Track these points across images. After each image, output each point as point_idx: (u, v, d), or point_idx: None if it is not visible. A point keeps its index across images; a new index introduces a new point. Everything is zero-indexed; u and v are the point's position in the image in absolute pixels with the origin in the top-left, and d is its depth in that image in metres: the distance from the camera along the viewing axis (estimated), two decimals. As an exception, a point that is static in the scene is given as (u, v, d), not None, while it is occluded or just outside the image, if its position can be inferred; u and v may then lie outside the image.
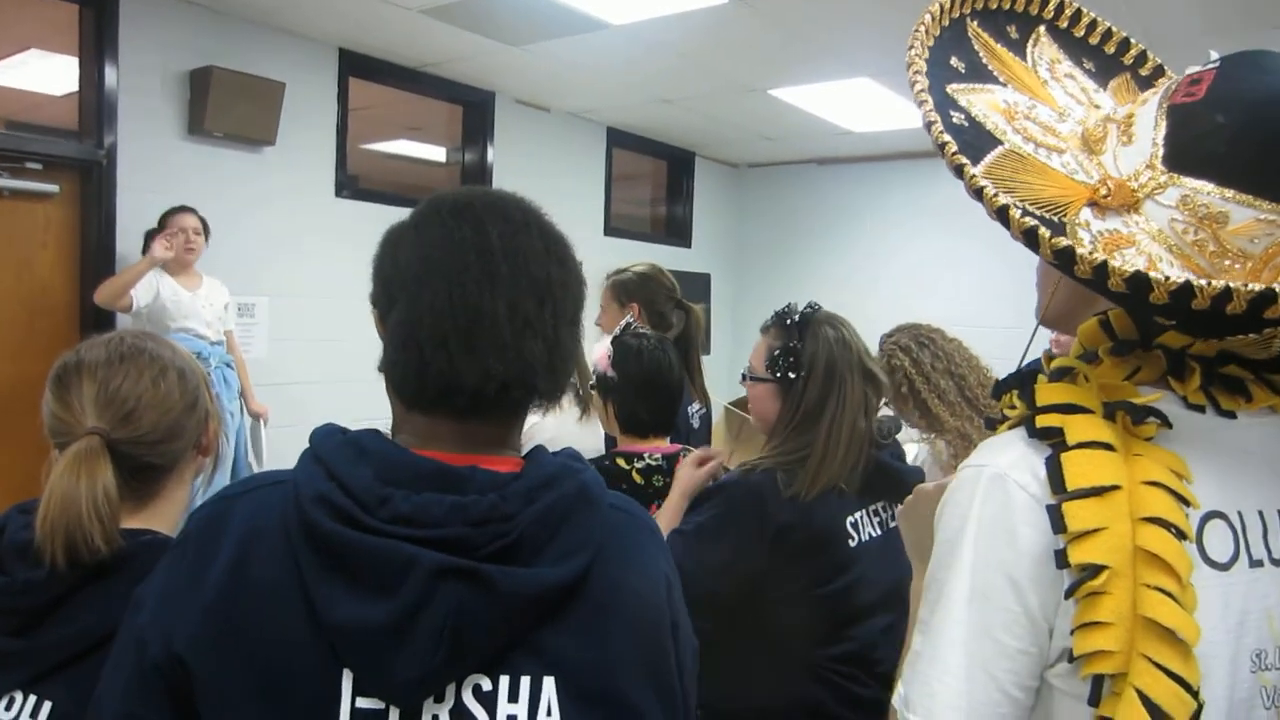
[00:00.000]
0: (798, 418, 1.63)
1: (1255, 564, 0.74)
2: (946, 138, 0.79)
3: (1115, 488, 0.71)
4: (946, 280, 6.31)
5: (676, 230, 7.12)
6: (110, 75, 3.78)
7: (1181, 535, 0.69)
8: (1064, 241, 0.71)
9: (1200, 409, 0.78)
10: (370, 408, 5.32)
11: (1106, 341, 0.80)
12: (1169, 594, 0.68)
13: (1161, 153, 0.78)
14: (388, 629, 0.71)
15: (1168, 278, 0.68)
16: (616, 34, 4.16)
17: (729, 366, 6.72)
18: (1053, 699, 0.75)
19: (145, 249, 3.71)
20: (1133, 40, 1.02)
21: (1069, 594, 0.70)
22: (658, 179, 7.16)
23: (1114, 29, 1.02)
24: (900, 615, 1.52)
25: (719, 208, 7.36)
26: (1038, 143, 0.86)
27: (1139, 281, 0.69)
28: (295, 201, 4.45)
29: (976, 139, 0.82)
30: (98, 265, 3.77)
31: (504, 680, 0.76)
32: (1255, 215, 0.74)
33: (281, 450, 4.28)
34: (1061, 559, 0.71)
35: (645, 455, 1.83)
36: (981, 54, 0.92)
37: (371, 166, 5.18)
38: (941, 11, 0.92)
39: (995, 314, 6.15)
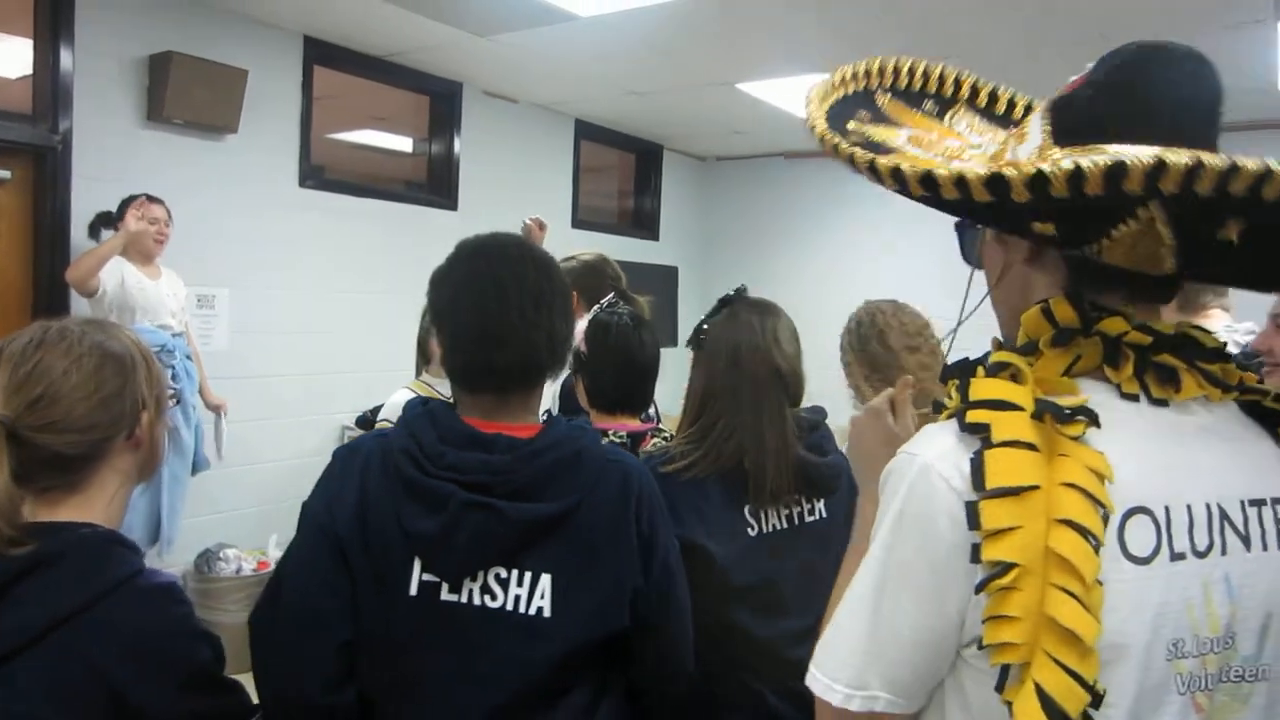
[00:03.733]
0: (693, 395, 1.65)
1: (1177, 557, 0.76)
2: (829, 135, 0.86)
3: (1034, 488, 0.73)
4: (912, 274, 6.36)
5: (644, 223, 7.11)
6: (66, 58, 3.68)
7: (1092, 538, 0.71)
8: (957, 168, 0.75)
9: (1134, 398, 0.80)
10: (335, 400, 5.28)
11: (1048, 330, 0.81)
12: (1074, 595, 0.70)
13: (1049, 135, 0.82)
14: (438, 535, 1.16)
15: (1062, 166, 0.69)
16: (585, 26, 4.14)
17: (696, 360, 6.71)
18: (965, 673, 0.79)
19: (93, 232, 3.63)
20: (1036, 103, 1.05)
21: (979, 589, 0.73)
22: (625, 171, 7.15)
23: (1034, 103, 1.04)
24: (797, 609, 1.56)
25: (687, 201, 7.36)
26: (940, 153, 0.91)
27: (998, 181, 0.73)
28: (258, 191, 4.37)
29: (870, 146, 0.87)
30: (52, 253, 3.68)
31: (515, 572, 1.19)
32: (1142, 153, 0.77)
33: (246, 444, 4.22)
34: (975, 554, 0.73)
35: (609, 433, 1.84)
36: (890, 113, 0.98)
37: (337, 156, 5.11)
38: (850, 79, 0.99)
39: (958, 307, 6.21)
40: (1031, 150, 0.83)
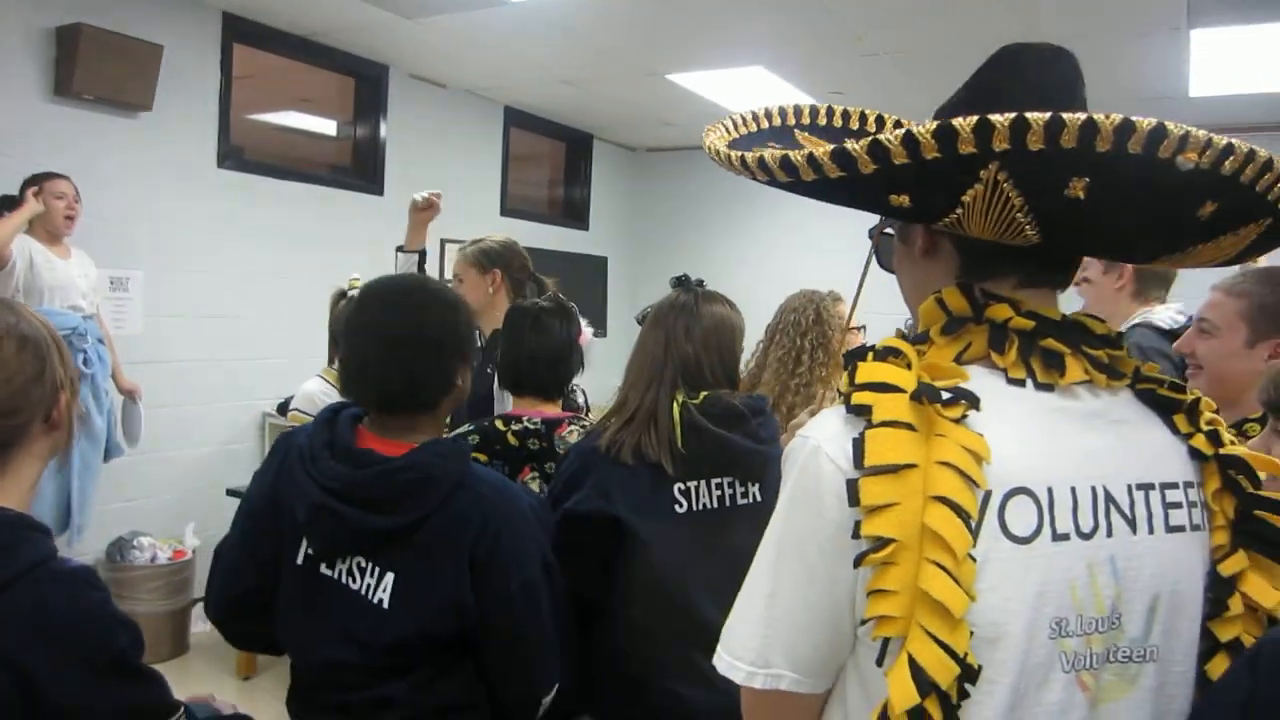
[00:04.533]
0: (634, 379, 1.72)
1: (1059, 538, 0.78)
2: (718, 144, 0.91)
3: (910, 466, 0.75)
4: (836, 266, 6.48)
5: (574, 212, 7.10)
6: (-34, 29, 3.52)
7: (964, 514, 0.74)
8: (803, 152, 0.79)
9: (1020, 383, 0.83)
10: (255, 387, 5.18)
11: (941, 319, 0.85)
12: (945, 569, 0.73)
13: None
14: (305, 523, 1.40)
15: (895, 133, 0.73)
16: (515, 11, 4.12)
17: (624, 349, 6.73)
18: (861, 651, 0.82)
19: None
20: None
21: (857, 563, 0.76)
22: (556, 160, 7.13)
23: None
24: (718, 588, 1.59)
25: (617, 191, 7.37)
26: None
27: (845, 157, 0.76)
28: (174, 171, 4.24)
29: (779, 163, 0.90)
30: (-47, 232, 3.52)
31: (370, 564, 1.40)
32: None
33: (162, 430, 4.10)
34: (856, 530, 0.76)
35: (524, 419, 1.89)
36: (805, 144, 1.00)
37: (259, 138, 4.98)
38: (764, 116, 1.02)
39: (890, 299, 6.36)
40: None
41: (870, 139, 0.73)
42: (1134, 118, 0.69)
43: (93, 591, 1.04)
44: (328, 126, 5.55)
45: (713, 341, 1.72)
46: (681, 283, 1.80)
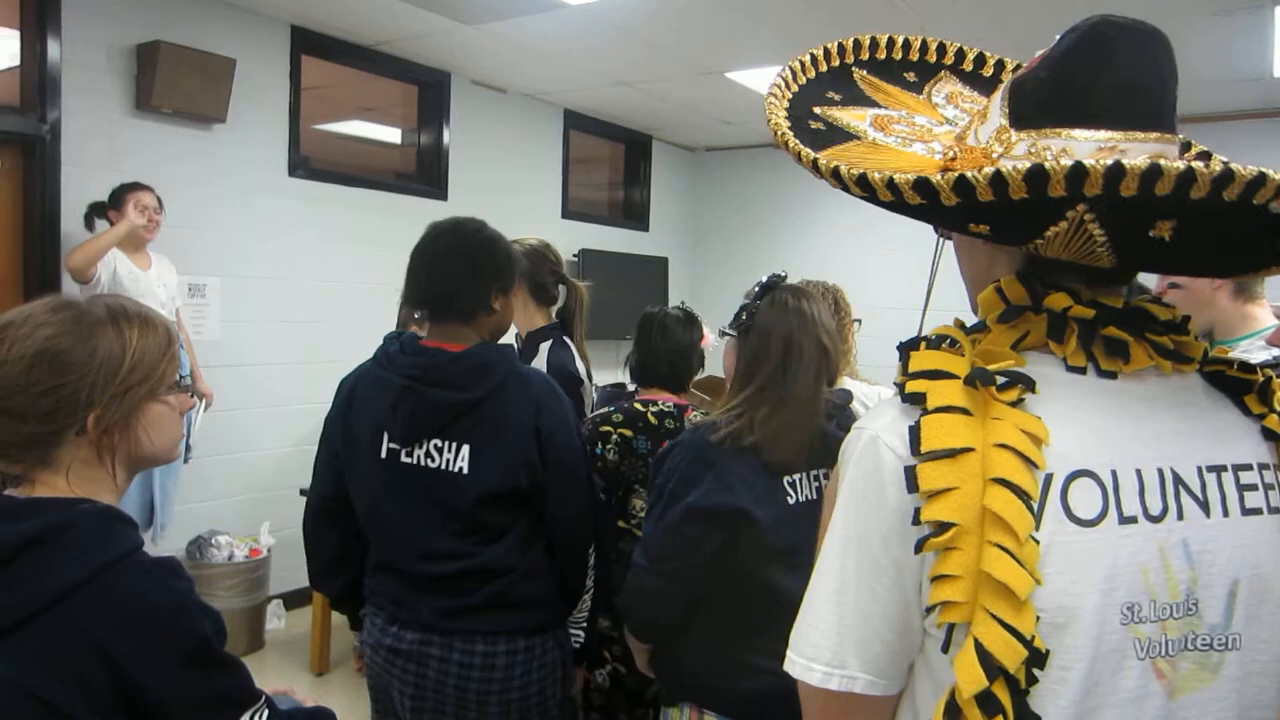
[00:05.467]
0: (742, 371, 1.78)
1: (1127, 520, 0.76)
2: (783, 126, 0.87)
3: (968, 450, 0.75)
4: (902, 264, 6.39)
5: (634, 213, 7.13)
6: (53, 49, 3.68)
7: (1025, 496, 0.73)
8: (888, 173, 0.77)
9: (1081, 370, 0.81)
10: (326, 389, 5.29)
11: (999, 308, 0.84)
12: (1008, 550, 0.72)
13: (1007, 118, 0.83)
14: (389, 411, 1.75)
15: (1015, 168, 0.70)
16: (574, 14, 4.15)
17: (686, 349, 6.73)
18: (929, 645, 0.80)
19: (88, 223, 3.63)
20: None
21: (918, 549, 0.76)
22: (615, 162, 7.16)
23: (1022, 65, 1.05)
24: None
25: (676, 191, 7.38)
26: (901, 137, 0.92)
27: (892, 186, 0.76)
28: (247, 180, 4.38)
29: (832, 136, 0.89)
30: (42, 243, 3.69)
31: (445, 442, 1.74)
32: (1096, 146, 0.77)
33: (238, 431, 4.24)
34: (916, 517, 0.76)
35: (658, 403, 2.31)
36: (864, 89, 0.99)
37: (325, 147, 5.11)
38: (822, 58, 0.99)
39: (952, 298, 6.24)
40: (990, 132, 0.84)
41: (958, 177, 0.72)
42: (1234, 166, 0.67)
43: (178, 581, 1.06)
44: (392, 134, 5.66)
45: (833, 331, 1.79)
46: (777, 282, 1.85)
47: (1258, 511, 0.81)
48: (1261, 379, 0.87)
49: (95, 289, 3.44)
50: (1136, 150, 0.76)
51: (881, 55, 1.04)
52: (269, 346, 4.50)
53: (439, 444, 1.74)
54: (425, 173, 5.40)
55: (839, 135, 0.90)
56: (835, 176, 0.82)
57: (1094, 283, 0.84)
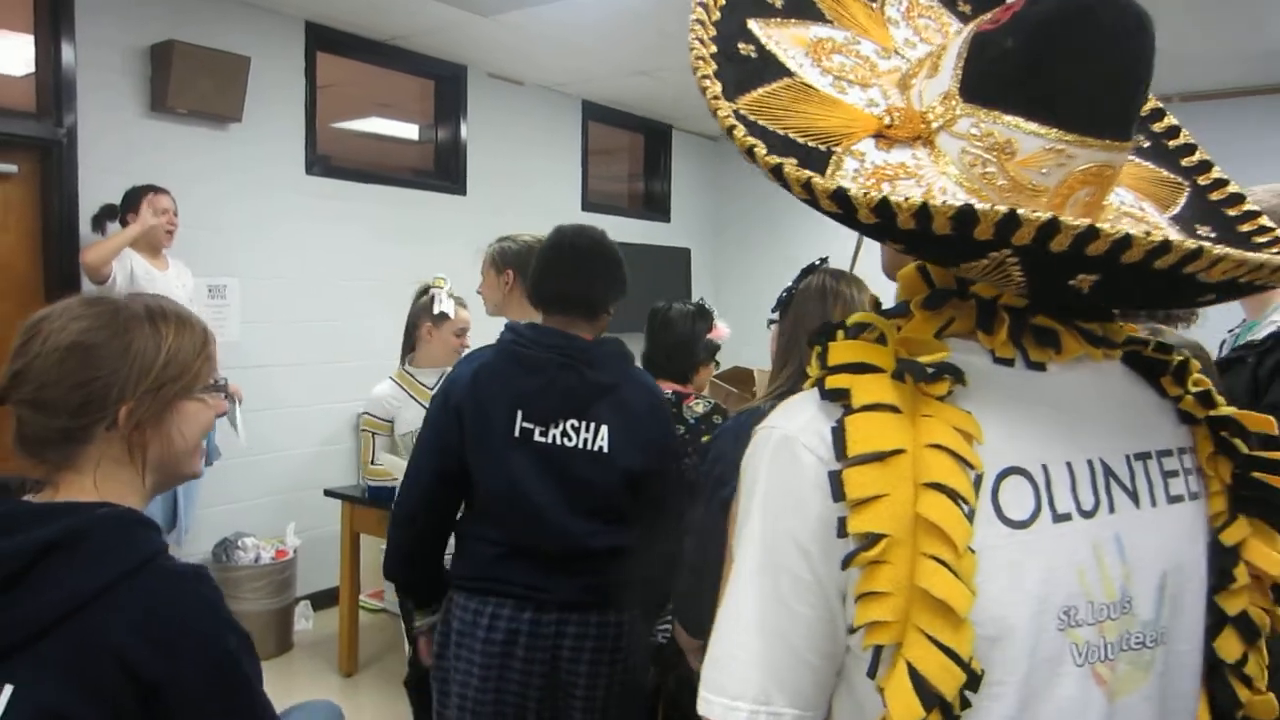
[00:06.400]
0: (781, 354, 1.81)
1: (1060, 518, 0.71)
2: (707, 71, 0.74)
3: (898, 452, 0.68)
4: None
5: (655, 205, 7.05)
6: (67, 52, 3.67)
7: (962, 501, 0.66)
8: (805, 174, 0.68)
9: (1009, 362, 0.75)
10: (348, 389, 5.25)
11: (923, 290, 0.76)
12: (944, 563, 0.65)
13: (958, 83, 0.74)
14: (536, 391, 1.83)
15: (946, 204, 0.63)
16: (588, 3, 4.08)
17: (710, 341, 6.67)
18: (851, 665, 0.72)
19: (96, 225, 3.62)
20: None
21: (845, 564, 0.67)
22: (635, 153, 7.09)
23: None
24: None
25: (698, 182, 7.29)
26: (840, 76, 0.81)
27: (842, 197, 0.66)
28: (265, 179, 4.35)
29: (761, 70, 0.78)
30: (60, 246, 3.68)
31: (583, 422, 1.83)
32: (1043, 145, 0.70)
33: (261, 433, 4.22)
34: (842, 528, 0.68)
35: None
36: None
37: (342, 145, 5.08)
38: None
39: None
40: (938, 93, 0.75)
41: (881, 199, 0.64)
42: (1174, 238, 0.62)
43: (205, 589, 1.02)
44: (409, 130, 5.63)
45: None
46: (818, 266, 1.85)
47: (1180, 499, 0.78)
48: (1177, 360, 0.81)
49: (111, 290, 3.42)
50: (1083, 157, 0.70)
51: None
52: (290, 347, 4.47)
53: (575, 424, 1.83)
54: (443, 168, 5.36)
55: (770, 70, 0.78)
56: (750, 155, 0.72)
57: (1109, 306, 0.78)
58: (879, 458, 0.67)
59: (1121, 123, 0.71)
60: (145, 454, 1.07)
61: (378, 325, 4.79)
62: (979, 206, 0.62)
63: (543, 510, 1.81)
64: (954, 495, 0.66)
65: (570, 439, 1.82)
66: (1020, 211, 0.61)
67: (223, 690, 1.00)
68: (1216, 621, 0.78)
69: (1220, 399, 0.81)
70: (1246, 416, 0.80)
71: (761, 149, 0.71)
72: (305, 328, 4.52)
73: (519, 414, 1.83)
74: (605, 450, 1.82)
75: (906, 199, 0.63)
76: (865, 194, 0.65)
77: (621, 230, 6.33)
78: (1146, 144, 0.89)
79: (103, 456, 1.05)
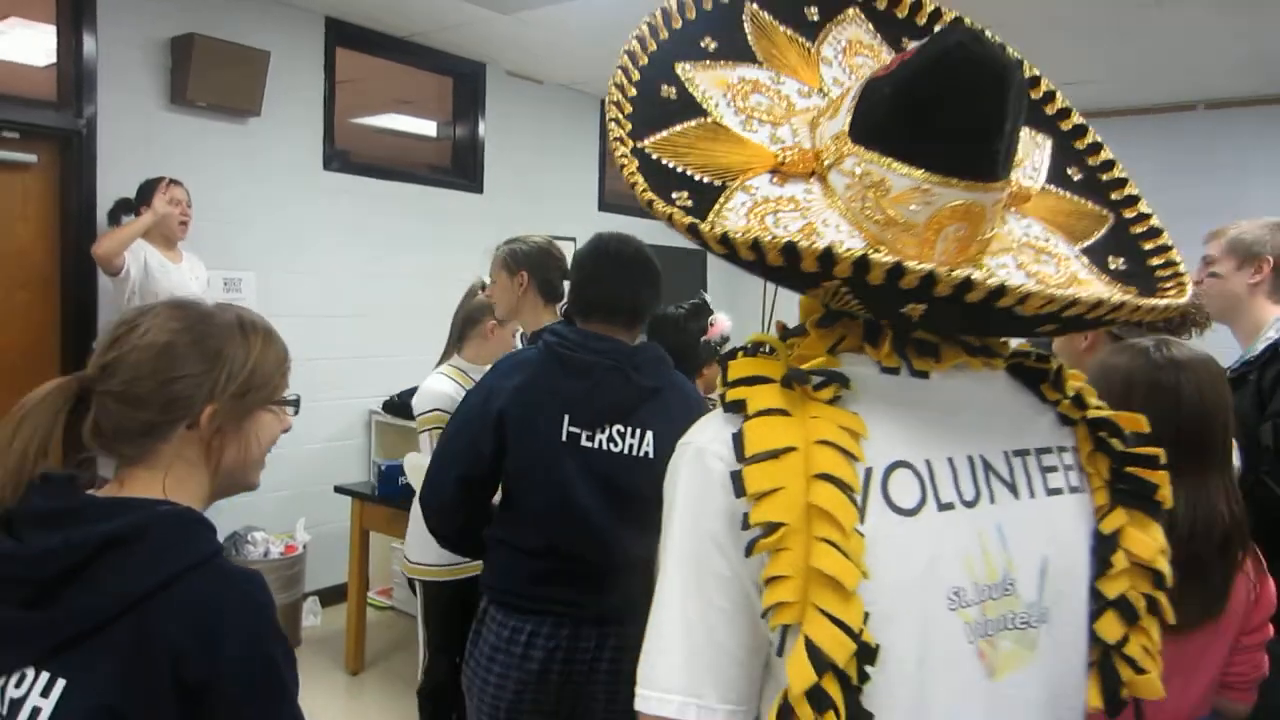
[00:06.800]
0: None
1: (945, 507, 0.78)
2: (616, 114, 0.83)
3: (790, 449, 0.75)
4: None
5: (672, 206, 7.00)
6: (89, 43, 3.67)
7: (847, 489, 0.74)
8: (667, 209, 0.77)
9: (895, 371, 0.83)
10: (361, 384, 5.24)
11: (818, 312, 0.85)
12: (834, 544, 0.72)
13: (848, 125, 0.82)
14: (583, 395, 1.81)
15: (775, 238, 0.72)
16: (609, 1, 4.06)
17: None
18: (774, 659, 0.78)
19: (113, 218, 3.62)
20: (947, 13, 1.00)
21: (748, 552, 0.74)
22: (653, 154, 7.04)
23: (940, 9, 1.01)
24: None
25: (715, 183, 7.25)
26: (752, 115, 0.88)
27: (727, 241, 0.74)
28: (282, 174, 4.35)
29: (678, 111, 0.85)
30: (78, 236, 3.68)
31: (628, 427, 1.83)
32: (910, 184, 0.77)
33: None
34: (745, 520, 0.74)
35: None
36: (750, 34, 0.93)
37: (360, 141, 5.08)
38: None
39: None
40: (835, 131, 0.83)
41: (721, 232, 0.73)
42: (975, 275, 0.69)
43: (259, 594, 1.02)
44: (427, 128, 5.62)
45: None
46: None
47: (1059, 492, 0.86)
48: (1055, 367, 0.90)
49: (125, 282, 3.42)
50: (947, 196, 0.77)
51: None
52: (304, 341, 4.45)
53: (621, 429, 1.83)
54: (460, 165, 5.35)
55: (686, 111, 0.86)
56: (632, 189, 0.80)
57: (947, 333, 0.86)
58: (773, 455, 0.75)
59: (980, 166, 0.77)
60: (220, 458, 1.09)
61: (392, 321, 4.79)
62: (801, 243, 0.71)
63: (589, 515, 1.79)
64: (841, 484, 0.74)
65: (616, 444, 1.82)
66: (836, 249, 0.69)
67: (261, 696, 0.99)
68: (1100, 606, 0.85)
69: (1094, 402, 0.90)
70: (1120, 416, 0.89)
71: (641, 185, 0.78)
72: (320, 323, 4.52)
73: (566, 418, 1.81)
74: (650, 456, 1.80)
75: (746, 234, 0.72)
76: (712, 228, 0.75)
77: (637, 231, 6.28)
78: (1078, 177, 0.96)
79: (177, 456, 1.07)
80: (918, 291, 0.71)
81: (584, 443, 1.81)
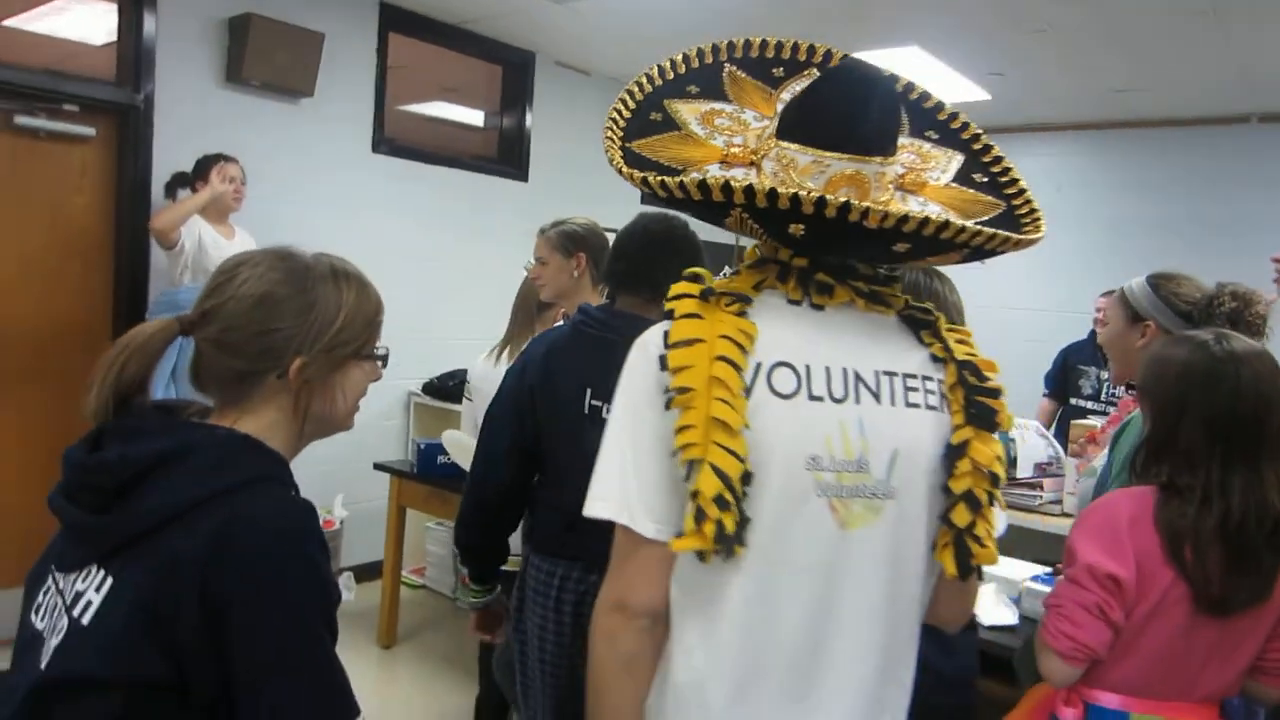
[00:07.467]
0: None
1: (815, 399, 1.06)
2: (609, 122, 1.14)
3: (699, 340, 1.04)
4: (989, 262, 6.17)
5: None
6: (149, 22, 3.75)
7: (738, 367, 1.02)
8: (636, 174, 1.06)
9: (798, 302, 1.11)
10: (401, 366, 5.31)
11: (754, 258, 1.16)
12: (726, 401, 1.01)
13: (775, 127, 1.13)
14: (602, 371, 1.56)
15: (693, 178, 1.01)
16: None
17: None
18: (684, 484, 1.04)
19: (169, 191, 3.69)
20: (899, 76, 1.27)
21: (668, 405, 1.03)
22: (696, 149, 7.04)
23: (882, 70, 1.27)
24: None
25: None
26: (716, 130, 1.18)
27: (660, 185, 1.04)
28: (332, 155, 4.41)
29: (661, 126, 1.16)
30: (133, 208, 3.76)
31: None
32: (809, 159, 1.06)
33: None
34: (667, 387, 1.03)
35: None
36: (727, 83, 1.23)
37: (408, 127, 5.12)
38: (696, 56, 1.24)
39: (1037, 295, 6.03)
40: (768, 134, 1.13)
41: (660, 180, 1.03)
42: (829, 197, 0.97)
43: (298, 523, 1.00)
44: (475, 117, 5.66)
45: (954, 316, 1.74)
46: None
47: (917, 406, 1.10)
48: (935, 319, 1.16)
49: (179, 255, 3.49)
50: (836, 166, 1.06)
51: (755, 54, 1.26)
52: (347, 321, 4.52)
53: None
54: (507, 154, 5.38)
55: (667, 126, 1.16)
56: (611, 161, 1.11)
57: (826, 253, 1.12)
58: (689, 343, 1.04)
59: (855, 142, 1.05)
60: (309, 407, 1.13)
61: (434, 304, 4.83)
62: (709, 179, 0.99)
63: None
64: (733, 363, 1.02)
65: None
66: (734, 182, 0.98)
67: (281, 628, 0.96)
68: (952, 500, 1.08)
69: (964, 350, 1.15)
70: (980, 361, 1.14)
71: (618, 160, 1.10)
72: (363, 303, 4.56)
73: (588, 391, 1.89)
74: None
75: (667, 180, 1.02)
76: (655, 178, 1.04)
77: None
78: (982, 180, 1.23)
79: (266, 403, 1.10)
80: (792, 212, 0.99)
81: (604, 415, 1.88)
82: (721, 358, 1.02)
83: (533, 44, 5.17)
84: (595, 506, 1.07)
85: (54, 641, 1.00)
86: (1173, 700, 1.51)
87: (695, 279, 1.12)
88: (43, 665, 0.99)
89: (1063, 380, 4.63)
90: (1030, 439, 3.21)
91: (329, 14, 4.27)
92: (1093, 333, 4.42)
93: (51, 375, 3.52)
